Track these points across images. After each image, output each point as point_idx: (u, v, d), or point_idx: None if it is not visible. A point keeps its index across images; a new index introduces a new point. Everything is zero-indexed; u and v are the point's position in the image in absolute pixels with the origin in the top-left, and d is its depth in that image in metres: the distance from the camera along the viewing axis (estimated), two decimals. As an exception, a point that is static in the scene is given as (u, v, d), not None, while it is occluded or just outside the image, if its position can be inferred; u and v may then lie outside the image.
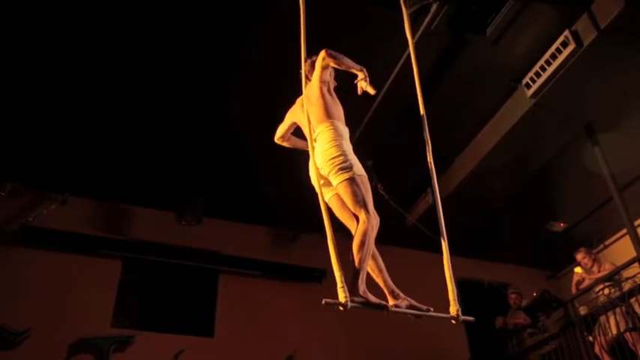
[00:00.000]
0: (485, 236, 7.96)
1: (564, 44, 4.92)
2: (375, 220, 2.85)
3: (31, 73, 5.36)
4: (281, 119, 3.58)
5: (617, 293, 5.39)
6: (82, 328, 6.26)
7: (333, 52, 3.10)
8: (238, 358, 6.71)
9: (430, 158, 3.06)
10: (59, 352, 6.10)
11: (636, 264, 5.29)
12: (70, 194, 6.87)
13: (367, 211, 2.82)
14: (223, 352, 6.71)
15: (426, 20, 4.74)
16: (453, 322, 2.76)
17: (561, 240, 8.09)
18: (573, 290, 6.16)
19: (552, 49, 5.04)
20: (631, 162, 6.58)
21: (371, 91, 3.10)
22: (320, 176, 2.98)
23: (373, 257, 2.92)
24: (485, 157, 6.36)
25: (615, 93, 5.59)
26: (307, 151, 3.15)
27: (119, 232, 7.07)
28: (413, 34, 4.04)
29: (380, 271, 2.95)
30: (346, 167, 2.89)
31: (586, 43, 4.83)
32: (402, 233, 7.25)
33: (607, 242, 8.15)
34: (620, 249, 7.46)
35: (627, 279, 5.36)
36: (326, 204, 2.90)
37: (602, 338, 5.45)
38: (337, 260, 2.59)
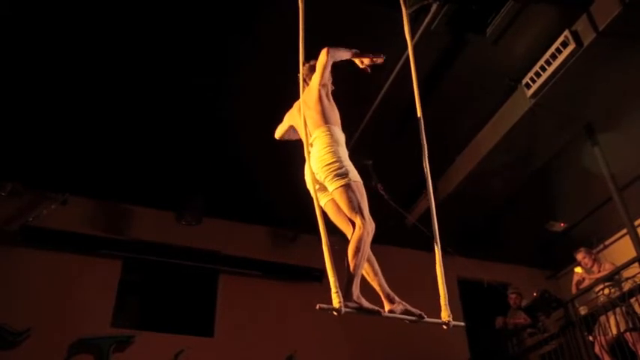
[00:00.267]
0: (485, 236, 7.97)
1: (564, 44, 4.93)
2: (371, 226, 2.86)
3: (32, 74, 5.36)
4: (280, 119, 3.60)
5: (617, 293, 5.40)
6: (82, 328, 6.27)
7: (332, 49, 3.12)
8: (238, 357, 6.72)
9: (426, 162, 3.06)
10: (59, 351, 6.11)
11: (636, 264, 5.31)
12: (70, 194, 6.88)
13: (363, 217, 2.84)
14: (223, 351, 6.72)
15: (426, 20, 4.75)
16: (444, 327, 2.78)
17: (561, 240, 8.09)
18: (573, 290, 6.16)
19: (552, 49, 5.04)
20: (631, 162, 6.59)
21: (379, 60, 3.20)
22: (315, 181, 2.99)
23: (369, 261, 2.93)
24: (485, 157, 6.36)
25: (615, 93, 5.60)
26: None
27: (119, 232, 7.08)
28: (413, 34, 4.05)
29: (375, 275, 2.96)
30: (342, 174, 2.90)
31: (586, 43, 4.83)
32: (402, 233, 7.25)
33: (607, 242, 8.14)
34: (620, 249, 7.46)
35: (627, 279, 5.37)
36: (321, 209, 2.90)
37: (602, 338, 5.46)
38: (332, 265, 2.61)
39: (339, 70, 3.26)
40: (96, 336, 6.31)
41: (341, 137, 3.11)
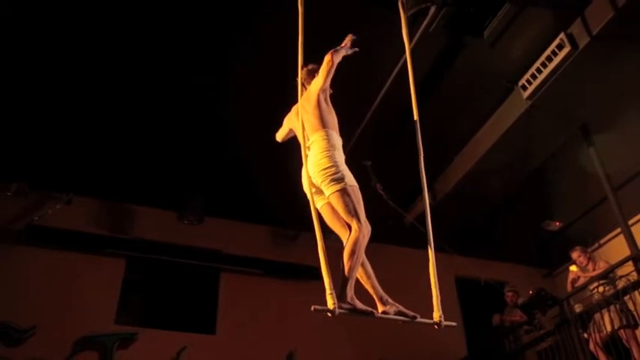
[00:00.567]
0: (482, 235, 8.04)
1: (560, 47, 4.99)
2: (367, 230, 2.91)
3: (35, 74, 5.40)
4: (281, 119, 3.64)
5: (612, 291, 5.45)
6: (87, 326, 6.34)
7: (335, 54, 3.11)
8: (240, 355, 6.78)
9: (422, 165, 3.12)
10: (64, 349, 6.18)
11: (630, 262, 5.32)
12: (75, 194, 6.93)
13: (359, 220, 2.89)
14: (225, 349, 6.79)
15: (425, 23, 4.82)
16: (436, 327, 2.83)
17: (557, 239, 8.16)
18: (569, 288, 6.22)
19: (548, 51, 5.11)
20: (625, 162, 6.65)
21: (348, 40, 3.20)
22: (312, 184, 3.03)
23: (362, 264, 2.97)
24: (482, 157, 6.42)
25: (610, 94, 5.66)
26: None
27: (123, 231, 7.14)
28: (412, 36, 4.09)
29: (369, 277, 3.01)
30: (338, 178, 2.94)
31: (581, 45, 4.90)
32: (401, 232, 7.29)
33: (602, 241, 8.22)
34: (615, 247, 7.52)
35: (621, 277, 5.38)
36: (317, 211, 2.96)
37: (597, 335, 5.53)
38: (327, 267, 2.67)
39: (340, 70, 3.26)
40: (100, 333, 6.39)
41: (338, 142, 3.14)
